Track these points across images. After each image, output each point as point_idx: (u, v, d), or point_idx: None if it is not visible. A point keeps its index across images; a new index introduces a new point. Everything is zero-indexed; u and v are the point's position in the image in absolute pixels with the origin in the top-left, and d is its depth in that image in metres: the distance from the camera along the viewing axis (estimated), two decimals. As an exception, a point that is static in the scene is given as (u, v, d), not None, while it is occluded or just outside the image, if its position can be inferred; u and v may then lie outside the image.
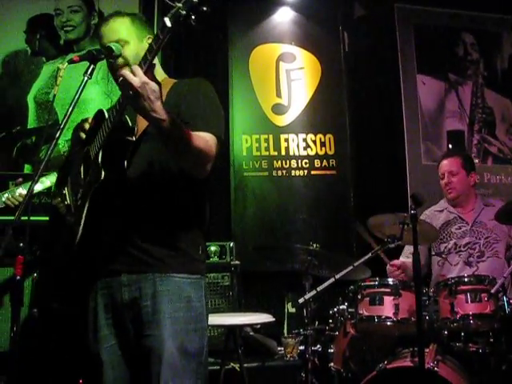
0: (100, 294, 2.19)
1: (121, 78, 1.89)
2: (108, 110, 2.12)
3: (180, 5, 1.77)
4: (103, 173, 2.07)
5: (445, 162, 3.96)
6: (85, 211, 2.12)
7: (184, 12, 1.77)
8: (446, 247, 3.85)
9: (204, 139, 2.05)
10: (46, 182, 3.00)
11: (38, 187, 2.93)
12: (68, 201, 2.25)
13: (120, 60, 2.19)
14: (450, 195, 3.92)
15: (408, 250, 3.83)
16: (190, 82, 2.28)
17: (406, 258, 3.87)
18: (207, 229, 2.30)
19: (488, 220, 3.81)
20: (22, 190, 3.04)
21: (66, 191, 2.28)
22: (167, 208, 2.15)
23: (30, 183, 2.92)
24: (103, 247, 2.17)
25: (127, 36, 2.23)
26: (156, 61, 2.25)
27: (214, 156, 2.09)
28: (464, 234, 3.84)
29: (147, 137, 2.15)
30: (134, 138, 2.11)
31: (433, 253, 3.93)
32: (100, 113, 2.17)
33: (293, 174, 5.16)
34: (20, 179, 3.07)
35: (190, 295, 2.13)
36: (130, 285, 2.12)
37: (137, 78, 1.84)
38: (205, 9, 1.77)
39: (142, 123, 2.15)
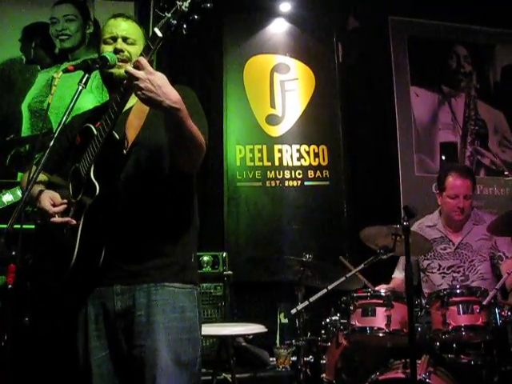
0: (91, 304, 2.16)
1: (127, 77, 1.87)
2: (95, 127, 2.10)
3: (169, 15, 1.78)
4: (98, 189, 2.04)
5: (460, 183, 3.77)
6: (79, 230, 2.08)
7: (175, 21, 1.78)
8: (428, 265, 3.84)
9: (201, 135, 2.05)
10: (18, 193, 2.98)
11: (9, 198, 2.92)
12: None
13: (126, 54, 2.19)
14: (457, 217, 3.79)
15: (402, 263, 3.81)
16: (178, 88, 2.29)
17: (400, 271, 3.86)
18: (199, 235, 2.31)
19: (475, 240, 3.76)
20: (8, 197, 3.02)
21: None
22: (158, 217, 2.15)
23: (15, 189, 2.93)
24: (97, 261, 2.13)
25: (136, 37, 2.24)
26: None
27: (204, 152, 2.09)
28: (448, 255, 3.78)
29: (136, 148, 2.13)
30: (124, 152, 2.10)
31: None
32: (86, 129, 2.16)
33: (286, 185, 5.17)
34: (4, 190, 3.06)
35: (184, 305, 2.13)
36: (123, 294, 2.11)
37: (141, 71, 1.82)
38: (196, 17, 1.77)
39: (131, 135, 2.14)
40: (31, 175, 1.92)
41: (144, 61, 1.84)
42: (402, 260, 3.79)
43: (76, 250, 2.07)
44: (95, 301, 2.16)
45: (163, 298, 2.10)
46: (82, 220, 2.08)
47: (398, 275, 3.89)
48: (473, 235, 3.78)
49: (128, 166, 2.12)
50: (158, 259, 2.13)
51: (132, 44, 2.22)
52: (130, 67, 1.88)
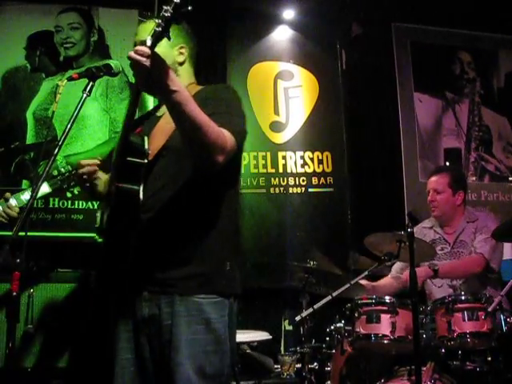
0: (122, 307, 2.18)
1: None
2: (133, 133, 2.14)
3: (157, 22, 1.79)
4: (114, 186, 2.06)
5: (432, 179, 3.93)
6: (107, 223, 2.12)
7: (160, 29, 1.78)
8: None
9: (218, 129, 2.00)
10: (25, 196, 2.97)
11: (13, 203, 2.91)
12: (98, 223, 2.27)
13: None
14: (433, 213, 3.90)
15: (398, 266, 3.83)
16: (213, 87, 2.36)
17: (395, 272, 3.87)
18: (238, 241, 2.28)
19: (468, 237, 3.78)
20: (12, 201, 3.01)
21: (98, 214, 2.30)
22: (184, 223, 2.12)
23: (19, 194, 2.92)
24: (125, 263, 2.12)
25: None
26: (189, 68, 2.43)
27: (228, 150, 2.03)
28: (445, 256, 3.80)
29: (166, 152, 2.16)
30: (145, 161, 2.08)
31: None
32: None
33: (290, 192, 5.16)
34: (8, 193, 3.04)
35: (210, 317, 2.08)
36: (150, 300, 2.10)
37: (142, 56, 1.79)
38: (177, 21, 1.78)
39: (161, 140, 2.16)
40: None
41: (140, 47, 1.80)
42: (397, 264, 3.82)
43: (104, 247, 2.11)
44: (127, 304, 2.16)
45: (187, 309, 2.06)
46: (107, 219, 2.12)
47: (393, 274, 3.90)
48: (466, 233, 3.81)
49: (152, 175, 2.13)
50: (184, 268, 2.09)
51: None
52: (131, 53, 1.82)
